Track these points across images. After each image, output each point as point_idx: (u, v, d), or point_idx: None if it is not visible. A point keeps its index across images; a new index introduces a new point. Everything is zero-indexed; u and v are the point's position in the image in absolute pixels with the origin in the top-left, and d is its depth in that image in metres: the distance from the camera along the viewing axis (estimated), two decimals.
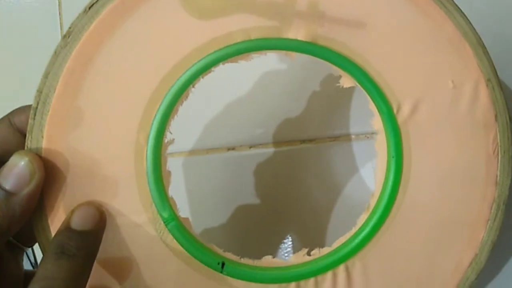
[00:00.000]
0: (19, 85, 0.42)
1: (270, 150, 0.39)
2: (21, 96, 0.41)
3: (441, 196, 0.29)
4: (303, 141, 0.39)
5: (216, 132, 0.39)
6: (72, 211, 0.27)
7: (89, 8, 0.26)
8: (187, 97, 0.28)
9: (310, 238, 0.39)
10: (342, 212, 0.38)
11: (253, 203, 0.39)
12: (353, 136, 0.38)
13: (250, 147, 0.39)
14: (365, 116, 0.30)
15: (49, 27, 0.42)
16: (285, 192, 0.39)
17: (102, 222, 0.27)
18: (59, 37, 0.41)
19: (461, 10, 0.28)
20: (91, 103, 0.27)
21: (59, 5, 0.41)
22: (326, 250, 0.30)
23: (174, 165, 0.37)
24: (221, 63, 0.28)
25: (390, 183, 0.29)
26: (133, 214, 0.28)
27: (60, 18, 0.42)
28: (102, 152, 0.27)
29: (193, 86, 0.28)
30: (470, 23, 0.28)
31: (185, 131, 0.34)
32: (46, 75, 0.26)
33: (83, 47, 0.26)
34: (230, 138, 0.39)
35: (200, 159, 0.39)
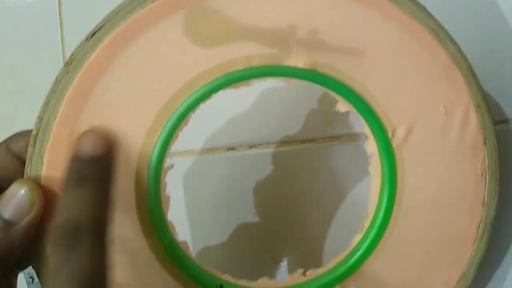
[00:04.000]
0: (19, 85, 0.42)
1: (270, 150, 0.40)
2: (21, 96, 0.42)
3: (432, 217, 0.32)
4: (303, 141, 0.40)
5: (216, 132, 0.40)
6: (78, 141, 0.27)
7: (92, 35, 0.27)
8: (187, 123, 0.29)
9: (311, 239, 0.40)
10: (343, 212, 0.40)
11: (252, 203, 0.40)
12: (353, 136, 0.40)
13: (250, 147, 0.39)
14: None
15: (49, 27, 0.42)
16: (286, 192, 0.40)
17: (110, 145, 0.27)
18: (59, 37, 0.42)
19: (453, 39, 0.30)
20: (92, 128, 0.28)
21: (59, 5, 0.42)
22: (321, 270, 0.32)
23: (173, 165, 0.39)
24: (222, 89, 0.29)
25: (383, 205, 0.31)
26: (133, 239, 0.29)
27: (60, 18, 0.42)
28: None
29: (193, 112, 0.29)
30: (462, 51, 0.30)
31: (185, 131, 0.35)
32: (47, 103, 0.27)
33: (85, 74, 0.27)
34: (230, 138, 0.39)
35: (200, 159, 0.40)
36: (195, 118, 0.37)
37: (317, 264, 0.34)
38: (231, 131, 0.40)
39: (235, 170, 0.40)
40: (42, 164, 0.27)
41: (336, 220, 0.40)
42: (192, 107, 0.28)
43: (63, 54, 0.43)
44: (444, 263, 0.32)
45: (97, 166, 0.26)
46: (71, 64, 0.27)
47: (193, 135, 0.39)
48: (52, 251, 0.23)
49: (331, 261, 0.32)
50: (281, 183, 0.40)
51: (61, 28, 0.42)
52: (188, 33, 0.28)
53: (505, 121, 0.37)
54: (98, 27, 0.27)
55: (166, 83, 0.28)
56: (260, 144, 0.40)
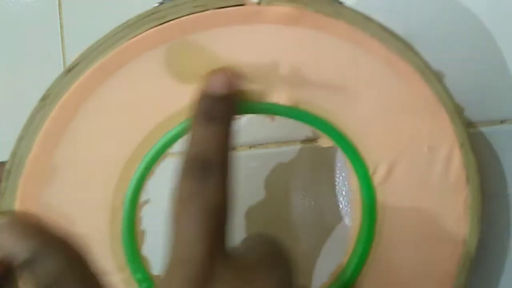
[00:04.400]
0: (18, 85, 0.42)
1: (270, 150, 0.40)
2: (21, 96, 0.41)
3: (411, 253, 0.31)
4: (303, 141, 0.40)
5: None
6: (207, 79, 0.27)
7: (68, 71, 0.26)
8: (165, 158, 0.29)
9: (311, 238, 0.40)
10: (340, 211, 0.39)
11: (252, 204, 0.40)
12: None
13: (250, 147, 0.40)
14: None
15: (49, 27, 0.42)
16: (285, 191, 0.40)
17: (235, 85, 0.28)
18: (59, 38, 0.42)
19: (440, 78, 0.30)
20: (66, 163, 0.28)
21: (59, 5, 0.41)
22: None
23: (173, 165, 0.39)
24: None
25: (362, 241, 0.31)
26: (107, 274, 0.29)
27: (60, 18, 0.42)
28: (76, 210, 0.28)
29: (170, 148, 0.28)
30: (448, 89, 0.30)
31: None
32: (21, 138, 0.27)
33: (61, 110, 0.27)
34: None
35: None
36: None
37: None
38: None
39: (235, 170, 0.40)
40: (15, 198, 0.27)
41: (335, 222, 0.40)
42: (168, 144, 0.28)
43: (63, 55, 0.43)
44: None
45: (224, 105, 0.27)
46: (47, 100, 0.26)
47: None
48: (184, 181, 0.24)
49: None
50: (281, 183, 0.40)
51: (61, 28, 0.42)
52: (167, 69, 0.27)
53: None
54: (75, 63, 0.26)
55: (143, 121, 0.27)
56: (260, 144, 0.40)
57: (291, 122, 0.38)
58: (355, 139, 0.30)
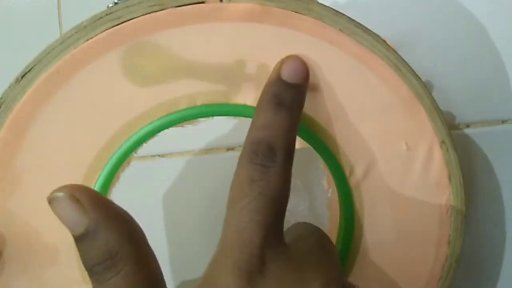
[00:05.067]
0: None
1: None
2: None
3: (393, 255, 0.30)
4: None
5: (216, 133, 0.39)
6: (282, 63, 0.27)
7: (22, 77, 0.26)
8: (129, 163, 0.28)
9: None
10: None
11: None
12: None
13: None
14: None
15: (48, 28, 0.41)
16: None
17: (308, 77, 0.28)
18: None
19: (415, 73, 0.28)
20: (27, 172, 0.27)
21: (58, 6, 0.41)
22: None
23: (173, 165, 0.38)
24: (166, 128, 0.27)
25: (341, 243, 0.30)
26: (72, 285, 0.28)
27: (59, 19, 0.41)
28: (41, 219, 0.27)
29: (135, 153, 0.27)
30: (425, 86, 0.29)
31: (184, 132, 0.34)
32: None
33: (16, 117, 0.26)
34: (230, 138, 0.39)
35: (200, 159, 0.40)
36: None
37: None
38: (230, 131, 0.40)
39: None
40: None
41: None
42: (132, 148, 0.27)
43: None
44: None
45: (295, 93, 0.27)
46: (0, 108, 0.25)
47: (192, 136, 0.38)
48: (246, 166, 0.25)
49: None
50: None
51: (60, 28, 0.42)
52: (126, 71, 0.26)
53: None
54: (28, 68, 0.25)
55: (104, 125, 0.27)
56: None
57: None
58: (329, 139, 0.29)
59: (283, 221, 0.25)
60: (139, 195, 0.35)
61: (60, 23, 0.41)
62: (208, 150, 0.39)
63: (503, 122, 0.37)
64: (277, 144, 0.25)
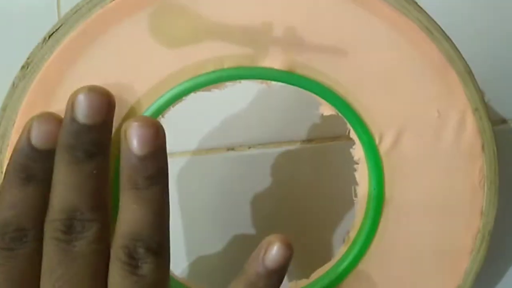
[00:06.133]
0: None
1: (270, 150, 0.39)
2: None
3: (423, 227, 0.30)
4: (303, 141, 0.39)
5: (216, 133, 0.39)
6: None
7: (49, 37, 0.26)
8: None
9: (311, 239, 0.40)
10: (341, 212, 0.39)
11: (252, 205, 0.40)
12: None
13: (250, 147, 0.39)
14: None
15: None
16: (285, 191, 0.40)
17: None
18: None
19: (448, 37, 0.28)
20: None
21: (58, 6, 0.41)
22: (304, 282, 0.31)
23: (173, 165, 0.38)
24: (193, 92, 0.27)
25: (371, 214, 0.29)
26: None
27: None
28: None
29: (162, 117, 0.27)
30: (458, 50, 0.28)
31: (184, 132, 0.34)
32: (4, 108, 0.26)
33: (43, 78, 0.26)
34: (230, 138, 0.39)
35: (200, 159, 0.39)
36: (194, 118, 0.37)
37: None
38: (230, 131, 0.40)
39: (235, 171, 0.40)
40: (2, 172, 0.26)
41: (335, 220, 0.40)
42: (159, 111, 0.27)
43: None
44: (436, 275, 0.30)
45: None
46: (27, 68, 0.26)
47: (192, 135, 0.39)
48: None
49: (315, 272, 0.30)
50: (281, 183, 0.40)
51: None
52: (153, 33, 0.26)
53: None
54: (55, 28, 0.26)
55: (130, 87, 0.26)
56: (259, 144, 0.39)
57: (291, 122, 0.39)
58: (358, 106, 0.28)
59: None
60: None
61: None
62: (208, 150, 0.39)
63: (502, 122, 0.37)
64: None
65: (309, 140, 0.40)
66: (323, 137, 0.40)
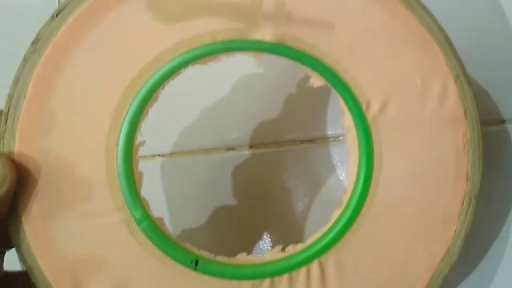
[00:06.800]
0: None
1: (269, 150, 0.40)
2: None
3: (412, 191, 0.31)
4: (303, 141, 0.40)
5: (216, 132, 0.40)
6: None
7: (56, 15, 0.28)
8: (157, 99, 0.30)
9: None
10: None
11: (252, 204, 0.41)
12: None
13: (250, 147, 0.40)
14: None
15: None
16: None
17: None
18: None
19: (427, 9, 0.30)
20: (62, 107, 0.29)
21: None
22: (300, 246, 0.32)
23: (173, 165, 0.39)
24: (189, 65, 0.29)
25: (361, 179, 0.31)
26: (106, 215, 0.30)
27: None
28: (74, 155, 0.29)
29: (163, 88, 0.30)
30: (437, 21, 0.30)
31: (184, 132, 0.36)
32: (16, 81, 0.28)
33: (52, 53, 0.28)
34: (230, 138, 0.40)
35: (200, 159, 0.40)
36: (193, 118, 0.39)
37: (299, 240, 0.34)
38: (230, 131, 0.41)
39: (235, 170, 0.41)
40: (15, 141, 0.28)
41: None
42: (159, 83, 0.29)
43: None
44: (427, 239, 0.31)
45: None
46: (37, 43, 0.28)
47: (192, 136, 0.40)
48: None
49: (311, 237, 0.32)
50: (281, 183, 0.41)
51: None
52: (151, 10, 0.28)
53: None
54: (63, 7, 0.28)
55: (131, 61, 0.29)
56: (259, 144, 0.40)
57: (289, 122, 0.40)
58: (345, 75, 0.30)
59: None
60: None
61: None
62: (208, 150, 0.40)
63: (502, 122, 0.37)
64: None
65: (309, 140, 0.41)
66: (323, 137, 0.41)
